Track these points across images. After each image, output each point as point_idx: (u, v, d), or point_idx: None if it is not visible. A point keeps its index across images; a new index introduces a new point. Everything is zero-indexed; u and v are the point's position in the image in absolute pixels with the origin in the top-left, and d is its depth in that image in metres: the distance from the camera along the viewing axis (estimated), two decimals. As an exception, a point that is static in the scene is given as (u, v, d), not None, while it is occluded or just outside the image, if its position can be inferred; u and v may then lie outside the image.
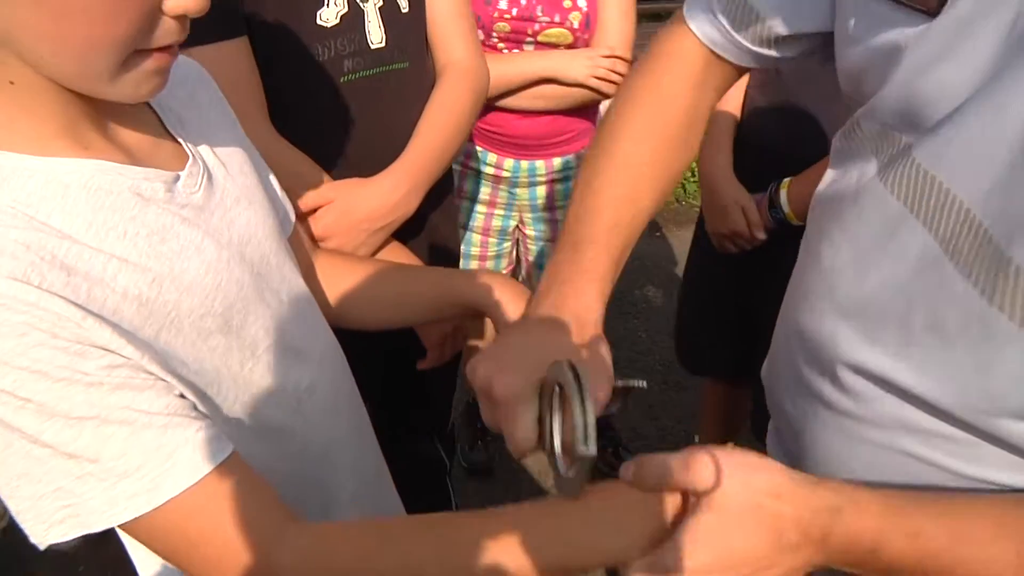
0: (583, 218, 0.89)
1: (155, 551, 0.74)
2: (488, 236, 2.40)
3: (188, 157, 0.82)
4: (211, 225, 0.82)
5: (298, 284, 0.96)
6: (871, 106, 0.77)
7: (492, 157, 2.25)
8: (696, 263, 2.19)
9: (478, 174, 2.28)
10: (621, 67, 2.07)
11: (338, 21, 1.29)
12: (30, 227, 0.65)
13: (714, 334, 2.14)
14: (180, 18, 0.67)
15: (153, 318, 0.72)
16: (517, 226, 2.42)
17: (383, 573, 0.73)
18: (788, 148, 1.75)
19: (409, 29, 1.41)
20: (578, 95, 2.10)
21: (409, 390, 1.84)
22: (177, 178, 0.79)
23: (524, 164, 2.25)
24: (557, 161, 2.26)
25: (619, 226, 0.88)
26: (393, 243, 1.38)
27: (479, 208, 2.34)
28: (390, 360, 1.57)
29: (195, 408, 0.76)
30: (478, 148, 2.24)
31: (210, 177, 0.84)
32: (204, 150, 0.86)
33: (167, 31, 0.67)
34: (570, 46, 2.09)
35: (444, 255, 1.65)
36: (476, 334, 2.55)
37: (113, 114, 0.75)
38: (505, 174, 2.27)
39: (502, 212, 2.37)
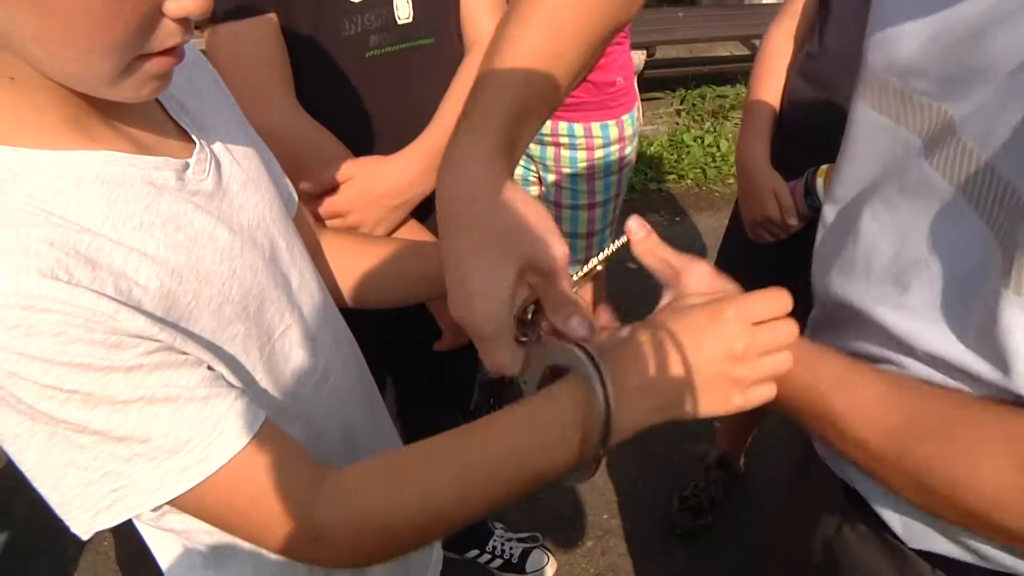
0: (492, 72, 0.79)
1: (204, 520, 0.76)
2: None
3: (195, 144, 0.82)
4: (222, 212, 0.81)
5: (308, 267, 0.96)
6: (908, 68, 0.74)
7: None
8: (728, 253, 2.17)
9: None
10: None
11: (365, -4, 1.29)
12: (49, 223, 0.65)
13: None
14: (182, 20, 0.66)
15: (174, 309, 0.72)
16: (536, 180, 2.47)
17: (407, 508, 0.75)
18: (828, 137, 1.73)
19: (437, 4, 1.40)
20: None
21: (428, 366, 1.85)
22: (186, 166, 0.78)
23: None
24: (563, 125, 2.29)
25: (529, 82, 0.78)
26: (411, 221, 1.39)
27: None
28: (407, 336, 1.57)
29: (225, 380, 0.77)
30: None
31: (217, 164, 0.83)
32: (209, 136, 0.85)
33: (169, 33, 0.66)
34: None
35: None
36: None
37: (117, 105, 0.73)
38: None
39: (521, 161, 2.39)
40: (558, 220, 2.45)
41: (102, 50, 0.63)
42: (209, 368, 0.75)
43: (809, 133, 1.77)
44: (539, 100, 0.79)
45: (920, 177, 0.73)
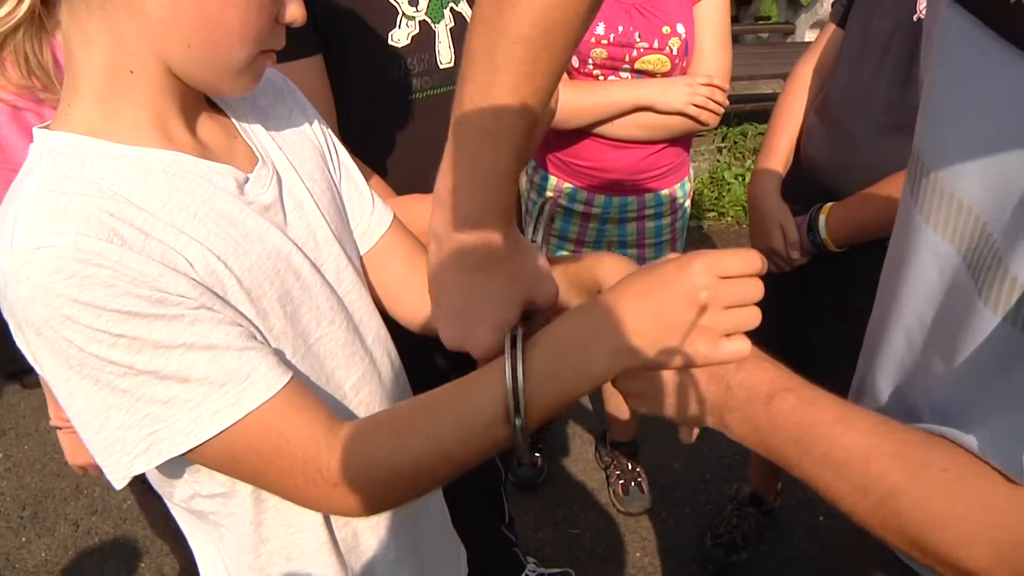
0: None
1: (231, 472, 0.83)
2: None
3: (257, 160, 0.89)
4: (276, 221, 0.88)
5: (358, 288, 0.99)
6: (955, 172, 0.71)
7: (582, 194, 2.22)
8: None
9: (567, 211, 2.27)
10: (719, 96, 2.02)
11: (409, 41, 1.33)
12: (114, 199, 0.73)
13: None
14: (284, 27, 0.80)
15: (217, 286, 0.79)
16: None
17: (414, 450, 0.80)
18: (837, 174, 1.74)
19: (479, 49, 1.43)
20: (675, 124, 2.04)
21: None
22: (247, 179, 0.86)
23: (616, 200, 2.21)
24: (649, 197, 2.21)
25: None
26: None
27: (566, 246, 2.33)
28: (450, 364, 1.59)
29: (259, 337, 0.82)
30: (567, 185, 2.23)
31: (279, 180, 0.90)
32: (276, 154, 0.92)
33: (278, 36, 0.81)
34: (666, 74, 2.03)
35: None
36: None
37: (195, 114, 0.85)
38: (595, 211, 2.23)
39: (590, 250, 2.30)
40: None
41: (245, 39, 0.76)
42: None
43: (821, 169, 1.80)
44: (529, 135, 0.83)
45: (965, 305, 0.71)
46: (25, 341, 0.73)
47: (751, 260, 0.76)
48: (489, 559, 2.29)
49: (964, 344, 0.70)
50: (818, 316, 1.89)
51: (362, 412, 0.97)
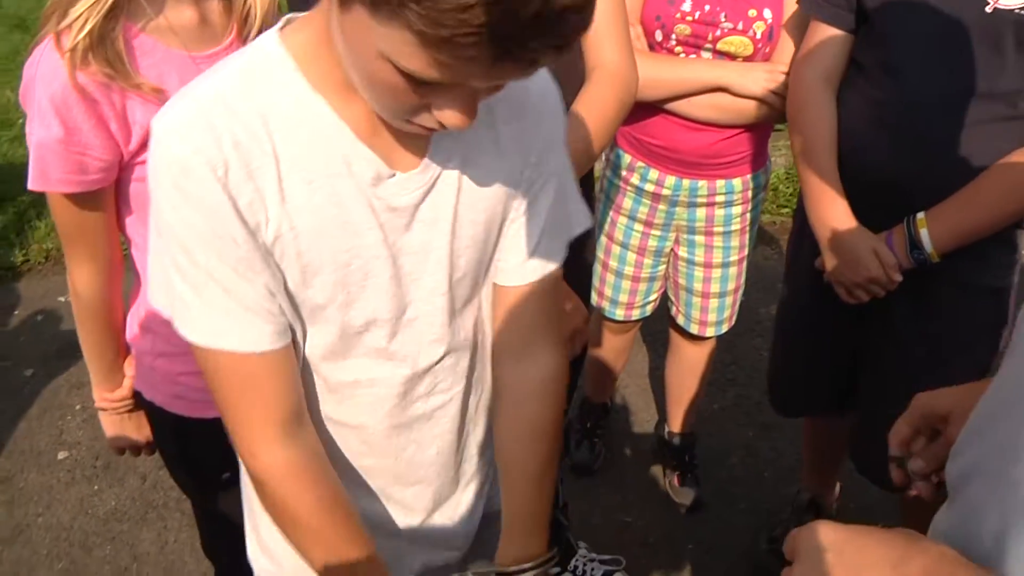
0: None
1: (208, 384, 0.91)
2: (643, 256, 2.34)
3: (419, 165, 0.87)
4: (392, 224, 0.87)
5: (439, 314, 0.96)
6: None
7: (654, 174, 2.19)
8: (790, 303, 2.14)
9: (638, 191, 2.25)
10: None
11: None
12: (251, 128, 0.80)
13: (810, 376, 2.09)
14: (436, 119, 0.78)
15: (278, 244, 0.84)
16: (672, 248, 2.36)
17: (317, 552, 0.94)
18: (911, 182, 1.64)
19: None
20: (750, 109, 2.00)
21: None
22: (392, 175, 0.86)
23: (686, 183, 2.17)
24: (720, 183, 2.17)
25: None
26: None
27: (636, 227, 2.30)
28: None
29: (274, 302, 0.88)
30: (640, 163, 2.21)
31: (430, 191, 0.89)
32: (453, 165, 0.89)
33: (425, 121, 0.78)
34: (748, 58, 2.00)
35: (578, 253, 1.65)
36: (595, 340, 2.56)
37: None
38: (665, 192, 2.20)
39: (659, 232, 2.30)
40: (706, 280, 2.32)
41: (381, 107, 0.79)
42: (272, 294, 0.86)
43: (889, 180, 1.68)
44: None
45: None
46: None
47: None
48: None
49: None
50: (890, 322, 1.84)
51: (361, 407, 0.99)
